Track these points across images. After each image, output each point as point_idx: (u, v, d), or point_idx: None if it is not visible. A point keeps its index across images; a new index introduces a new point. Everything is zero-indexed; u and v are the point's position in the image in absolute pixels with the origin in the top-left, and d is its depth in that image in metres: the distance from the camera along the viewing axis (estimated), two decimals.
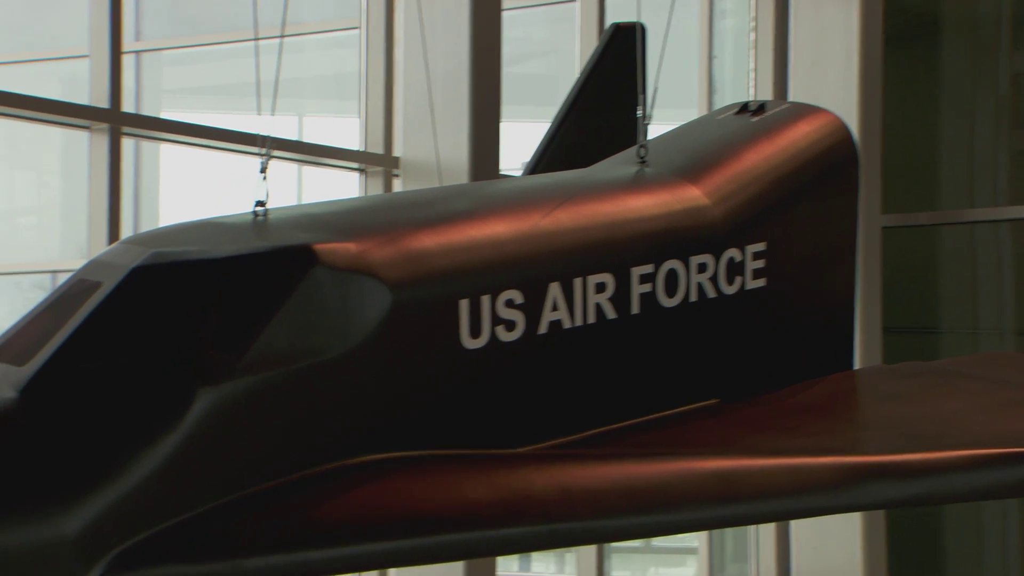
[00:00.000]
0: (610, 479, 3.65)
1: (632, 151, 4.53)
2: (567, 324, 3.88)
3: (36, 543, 3.00)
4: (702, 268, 4.16)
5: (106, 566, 3.10)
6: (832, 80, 9.36)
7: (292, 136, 8.69)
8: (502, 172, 8.01)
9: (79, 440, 3.15)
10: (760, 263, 4.30)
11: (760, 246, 4.31)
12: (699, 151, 4.53)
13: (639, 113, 4.50)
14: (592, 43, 8.83)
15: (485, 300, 3.74)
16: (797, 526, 9.59)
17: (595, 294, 3.94)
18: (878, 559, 9.43)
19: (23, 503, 3.01)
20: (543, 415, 3.86)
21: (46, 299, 3.53)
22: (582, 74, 5.53)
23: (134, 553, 3.14)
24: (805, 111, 4.80)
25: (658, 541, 10.80)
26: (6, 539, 2.97)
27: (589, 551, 8.90)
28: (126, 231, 7.16)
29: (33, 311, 3.50)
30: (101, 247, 6.71)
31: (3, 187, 10.13)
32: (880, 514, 9.36)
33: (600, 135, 5.21)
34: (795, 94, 9.49)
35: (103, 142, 6.95)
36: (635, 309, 4.01)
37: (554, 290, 3.86)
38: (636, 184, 4.32)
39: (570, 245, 3.96)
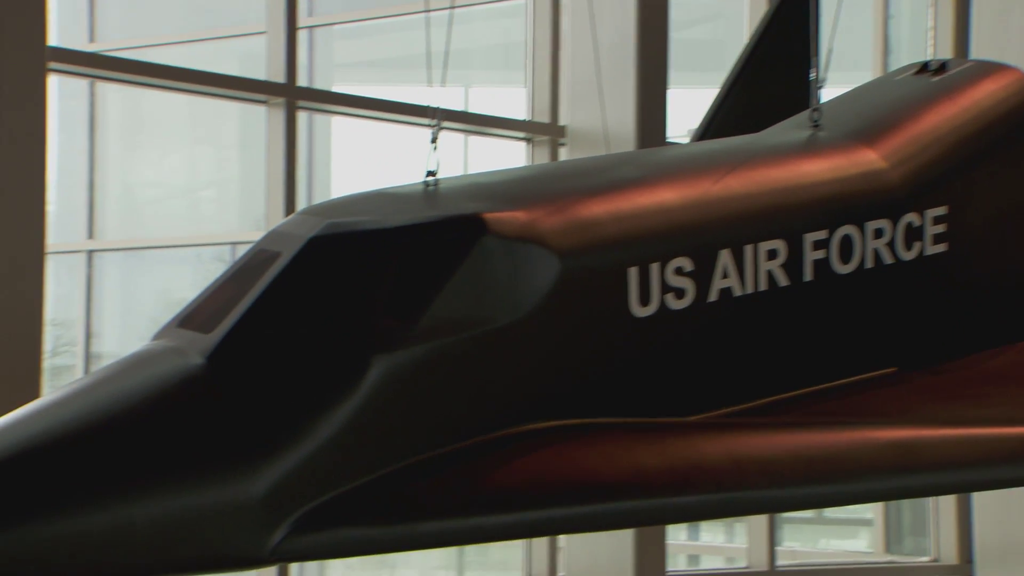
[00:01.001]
0: (784, 448, 3.59)
1: (805, 115, 4.42)
2: (738, 292, 3.82)
3: (225, 504, 3.11)
4: (879, 234, 4.05)
5: (289, 528, 3.20)
6: (1019, 35, 8.96)
7: (459, 107, 8.78)
8: (669, 139, 7.94)
9: (262, 405, 3.25)
10: (941, 228, 4.16)
11: (941, 210, 4.16)
12: (875, 113, 4.40)
13: (812, 76, 4.39)
14: (762, 5, 8.65)
15: (654, 268, 3.71)
16: (980, 499, 9.29)
17: (766, 261, 3.88)
18: None
19: (213, 464, 3.13)
20: (714, 383, 3.82)
21: (229, 269, 3.64)
22: (752, 37, 5.42)
23: (315, 516, 3.22)
24: (990, 69, 4.61)
25: (831, 512, 10.60)
26: (198, 499, 3.09)
27: (760, 521, 8.81)
28: (301, 203, 7.36)
29: (217, 280, 3.61)
30: (278, 219, 6.91)
31: (185, 162, 10.51)
32: None
33: (771, 100, 5.11)
34: (978, 52, 9.12)
35: (280, 116, 7.15)
36: (808, 276, 3.93)
37: (724, 257, 3.81)
38: (809, 148, 4.22)
39: (741, 211, 3.90)
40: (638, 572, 7.61)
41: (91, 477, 3.04)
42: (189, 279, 9.46)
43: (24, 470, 3.00)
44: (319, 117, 8.63)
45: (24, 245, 5.48)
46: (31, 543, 2.93)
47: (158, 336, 3.53)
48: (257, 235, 7.89)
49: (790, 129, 4.53)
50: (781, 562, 9.07)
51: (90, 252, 9.30)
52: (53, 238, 6.00)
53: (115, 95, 9.50)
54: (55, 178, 6.06)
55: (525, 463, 3.44)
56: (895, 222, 4.08)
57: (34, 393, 5.45)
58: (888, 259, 4.07)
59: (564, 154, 8.08)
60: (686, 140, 6.01)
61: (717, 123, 5.31)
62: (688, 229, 3.81)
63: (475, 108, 8.74)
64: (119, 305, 9.88)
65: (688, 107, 8.50)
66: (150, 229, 10.07)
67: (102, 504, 3.02)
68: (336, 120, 9.13)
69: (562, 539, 7.95)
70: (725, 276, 3.81)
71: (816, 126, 4.33)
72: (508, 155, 8.43)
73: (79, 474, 3.04)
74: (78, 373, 9.59)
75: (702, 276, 3.77)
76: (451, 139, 8.24)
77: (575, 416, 3.60)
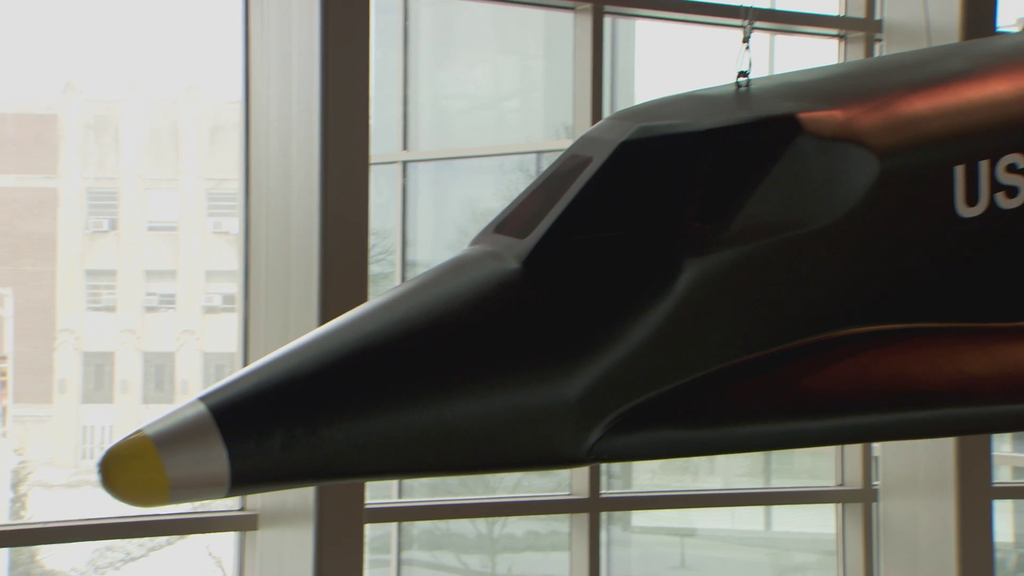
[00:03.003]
0: None
1: None
2: None
3: (544, 404, 3.20)
4: None
5: (605, 428, 3.26)
6: None
7: (766, 5, 8.52)
8: (999, 30, 7.43)
9: (577, 308, 3.31)
10: None
11: None
12: None
13: None
14: None
15: (983, 165, 3.52)
16: None
17: None
18: None
19: (531, 366, 3.22)
20: None
21: (542, 175, 3.71)
22: None
23: (629, 418, 3.28)
24: None
25: None
26: (518, 399, 3.20)
27: None
28: (606, 110, 7.37)
29: (531, 187, 3.69)
30: (585, 126, 6.96)
31: (490, 72, 10.71)
32: None
33: None
34: None
35: (586, 22, 7.15)
36: None
37: None
38: None
39: None
40: (960, 483, 7.34)
41: (418, 376, 3.19)
42: (493, 189, 9.70)
43: (356, 369, 3.17)
44: (622, 22, 8.59)
45: (351, 157, 5.76)
46: (363, 437, 3.11)
47: (476, 241, 3.64)
48: (561, 143, 7.96)
49: None
50: None
51: (404, 163, 9.68)
52: (372, 150, 6.27)
53: (426, 9, 9.78)
54: (373, 92, 6.31)
55: (842, 368, 3.37)
56: None
57: (361, 297, 5.76)
58: None
59: (880, 51, 7.72)
60: (1019, 31, 5.61)
61: None
62: (1022, 123, 3.58)
63: (782, 6, 8.46)
64: (431, 214, 10.25)
65: None
66: (458, 140, 10.37)
67: (428, 402, 3.16)
68: (639, 24, 9.06)
69: (877, 448, 7.76)
70: None
71: None
72: (819, 54, 8.14)
73: (407, 373, 3.19)
74: (395, 281, 10.06)
75: None
76: (757, 40, 8.02)
77: (895, 321, 3.49)
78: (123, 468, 2.91)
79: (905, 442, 7.07)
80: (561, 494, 7.37)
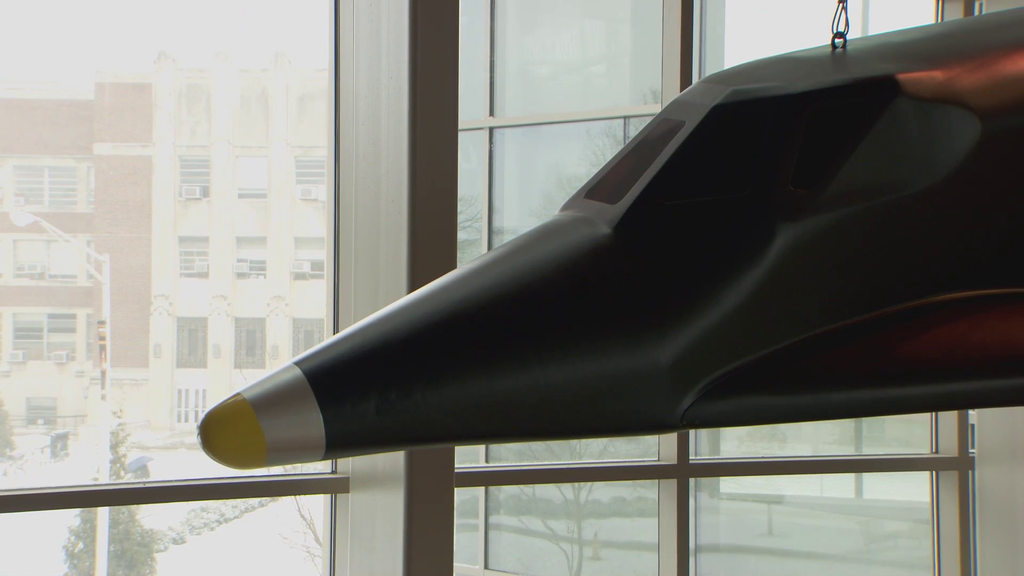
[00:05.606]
0: None
1: None
2: None
3: (636, 370, 3.19)
4: None
5: (697, 394, 3.24)
6: None
7: None
8: None
9: (668, 274, 3.29)
10: None
11: None
12: None
13: None
14: None
15: None
16: None
17: None
18: None
19: (623, 332, 3.21)
20: None
21: (633, 139, 3.68)
22: None
23: (722, 384, 3.25)
24: None
25: None
26: (610, 363, 3.19)
27: None
28: (695, 75, 7.29)
29: (622, 151, 3.66)
30: (674, 92, 6.89)
31: (576, 37, 10.67)
32: None
33: None
34: None
35: None
36: None
37: None
38: None
39: None
40: None
41: (510, 341, 3.19)
42: (579, 154, 9.67)
43: (450, 334, 3.18)
44: None
45: (440, 123, 5.77)
46: (457, 402, 3.12)
47: (566, 207, 3.62)
48: (648, 108, 7.89)
49: None
50: None
51: (491, 129, 9.69)
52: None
53: None
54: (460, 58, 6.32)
55: (941, 333, 3.31)
56: None
57: (450, 264, 5.78)
58: None
59: (980, 9, 7.52)
60: None
61: None
62: None
63: None
64: (517, 180, 10.26)
65: None
66: (544, 105, 10.34)
67: (521, 367, 3.16)
68: None
69: (973, 415, 7.63)
70: None
71: None
72: (915, 15, 7.97)
73: (500, 338, 3.20)
74: (482, 248, 10.10)
75: None
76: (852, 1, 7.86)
77: (997, 285, 3.42)
78: (222, 431, 2.96)
79: (1003, 409, 6.94)
80: (649, 459, 7.36)
